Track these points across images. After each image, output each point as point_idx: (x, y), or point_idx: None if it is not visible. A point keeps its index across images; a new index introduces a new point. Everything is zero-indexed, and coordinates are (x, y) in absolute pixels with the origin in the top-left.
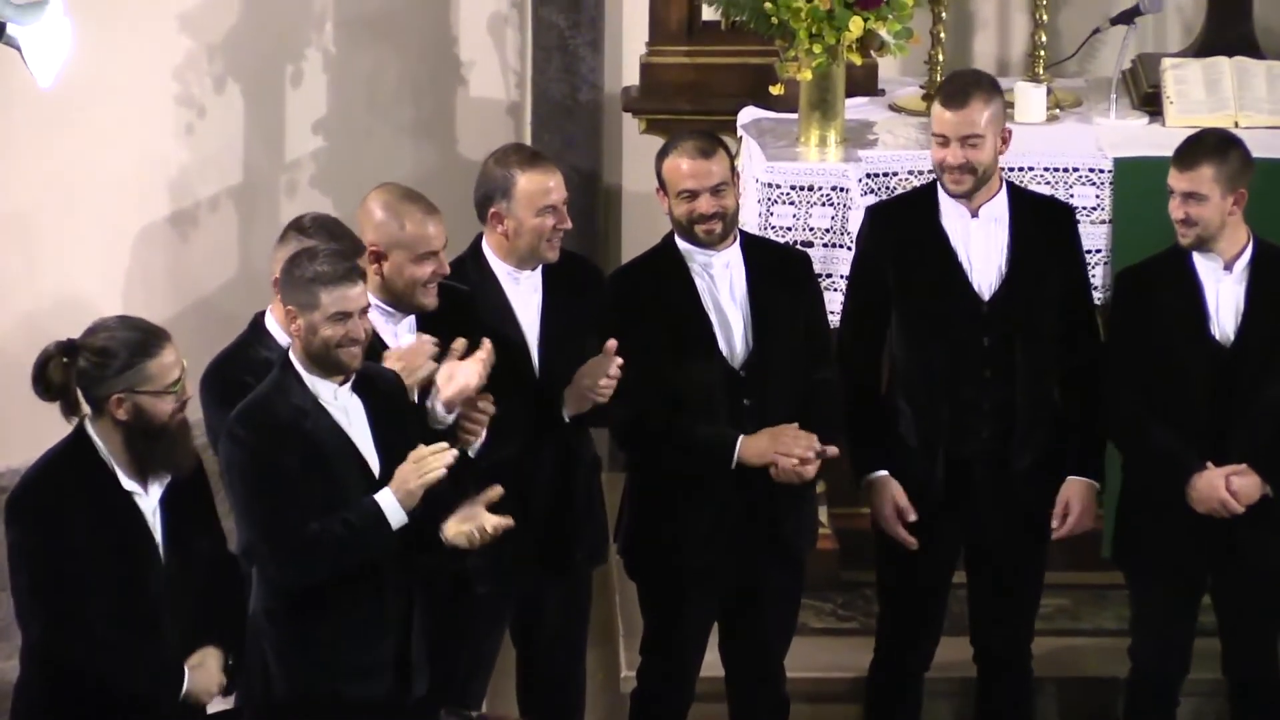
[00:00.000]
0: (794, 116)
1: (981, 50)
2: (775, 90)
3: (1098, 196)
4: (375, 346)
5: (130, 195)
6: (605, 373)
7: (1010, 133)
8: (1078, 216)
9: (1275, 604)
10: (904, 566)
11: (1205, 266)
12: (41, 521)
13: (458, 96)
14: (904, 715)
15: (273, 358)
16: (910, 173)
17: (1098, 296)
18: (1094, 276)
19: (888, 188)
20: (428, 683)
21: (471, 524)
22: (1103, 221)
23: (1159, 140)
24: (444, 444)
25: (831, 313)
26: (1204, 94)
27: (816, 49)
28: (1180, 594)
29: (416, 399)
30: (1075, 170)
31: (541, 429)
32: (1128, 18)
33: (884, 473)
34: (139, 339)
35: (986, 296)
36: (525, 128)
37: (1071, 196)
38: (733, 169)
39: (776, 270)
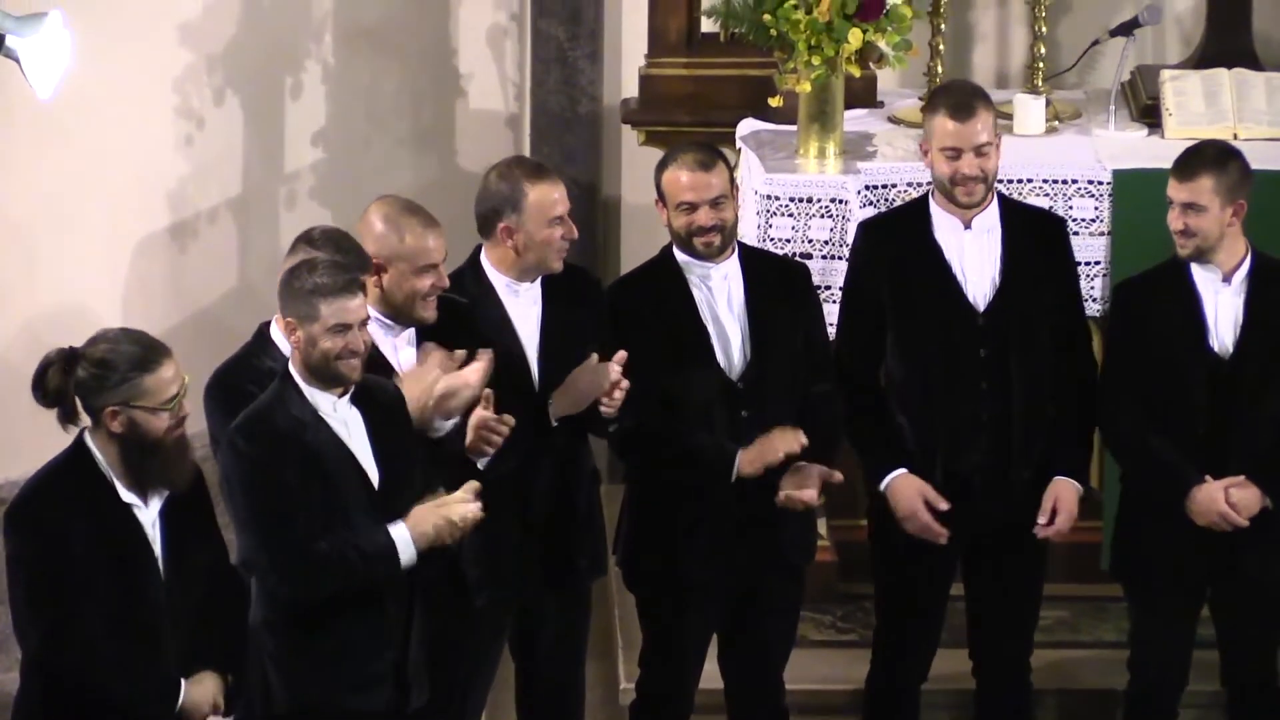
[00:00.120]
0: (793, 128)
1: (980, 62)
2: (774, 102)
3: (1096, 208)
4: (374, 358)
5: (129, 206)
6: (601, 380)
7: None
8: (1077, 228)
9: (1274, 616)
10: (902, 578)
11: (1204, 278)
12: (39, 532)
13: (457, 108)
14: None
15: (277, 368)
16: (909, 184)
17: (1096, 308)
18: (1093, 288)
19: (887, 199)
20: (427, 694)
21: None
22: (1101, 233)
23: (1158, 152)
24: (468, 495)
25: (830, 324)
26: (1203, 106)
27: (815, 61)
28: (1180, 606)
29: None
30: (1074, 182)
31: (541, 441)
32: (1127, 29)
33: (902, 470)
34: (138, 353)
35: (981, 308)
36: (524, 140)
37: (1070, 208)
38: (732, 181)
39: (775, 282)
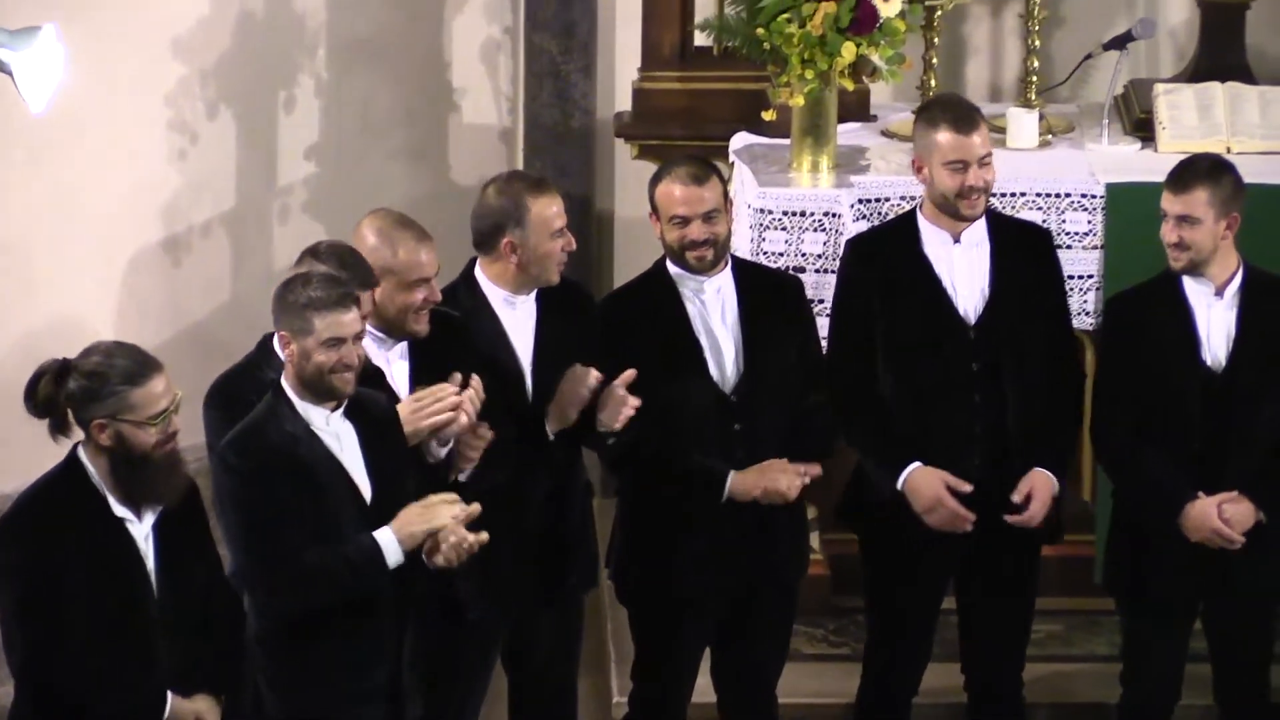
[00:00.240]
0: (786, 142)
1: (974, 76)
2: (767, 116)
3: (1090, 222)
4: (370, 371)
5: (123, 220)
6: (580, 388)
7: None
8: (1070, 242)
9: (1267, 630)
10: (894, 591)
11: (1196, 292)
12: (30, 545)
13: (450, 122)
14: None
15: (278, 379)
16: (902, 198)
17: (1089, 322)
18: (1086, 302)
19: (880, 213)
20: (420, 709)
21: (447, 543)
22: (1095, 247)
23: (1151, 166)
24: (454, 495)
25: (823, 338)
26: (1196, 119)
27: (809, 75)
28: (1172, 620)
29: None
30: (1067, 196)
31: (535, 454)
32: (1120, 43)
33: (917, 464)
34: (128, 366)
35: (972, 321)
36: (517, 153)
37: (1063, 222)
38: (725, 195)
39: (768, 296)
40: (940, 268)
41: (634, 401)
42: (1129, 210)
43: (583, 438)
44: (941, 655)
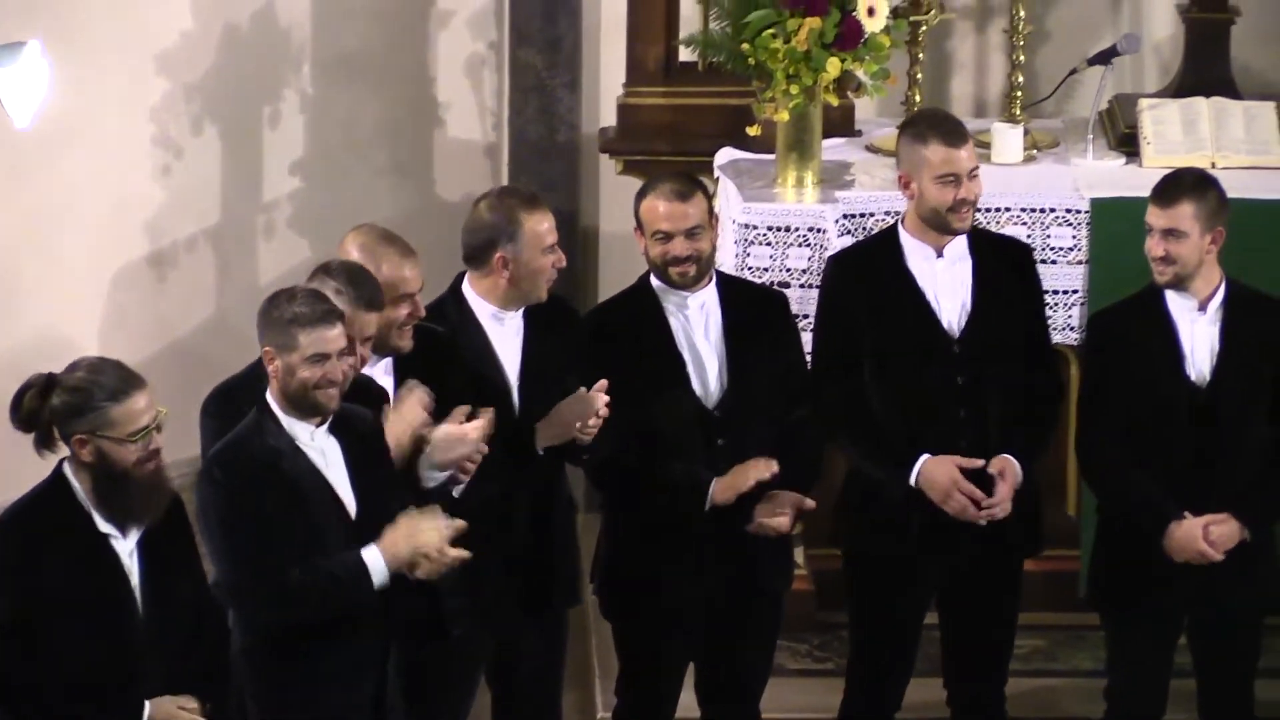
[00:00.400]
0: (771, 157)
1: (959, 91)
2: (752, 131)
3: (1074, 237)
4: (366, 385)
5: (107, 236)
6: (590, 411)
7: None
8: (1054, 257)
9: (1252, 646)
10: (877, 605)
11: (1179, 306)
12: (13, 559)
13: (435, 138)
14: None
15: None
16: (887, 213)
17: (1074, 337)
18: (1070, 317)
19: (865, 228)
20: None
21: (428, 560)
22: (1079, 262)
23: (1136, 181)
24: (444, 519)
25: (808, 353)
26: (1181, 134)
27: (794, 90)
28: (1157, 635)
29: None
30: (1052, 211)
31: (521, 470)
32: (1105, 58)
33: (925, 455)
34: (111, 383)
35: (956, 335)
36: (502, 169)
37: (1048, 237)
38: (710, 211)
39: (753, 311)
40: (924, 282)
41: (603, 410)
42: (1113, 225)
43: (568, 453)
44: (924, 670)
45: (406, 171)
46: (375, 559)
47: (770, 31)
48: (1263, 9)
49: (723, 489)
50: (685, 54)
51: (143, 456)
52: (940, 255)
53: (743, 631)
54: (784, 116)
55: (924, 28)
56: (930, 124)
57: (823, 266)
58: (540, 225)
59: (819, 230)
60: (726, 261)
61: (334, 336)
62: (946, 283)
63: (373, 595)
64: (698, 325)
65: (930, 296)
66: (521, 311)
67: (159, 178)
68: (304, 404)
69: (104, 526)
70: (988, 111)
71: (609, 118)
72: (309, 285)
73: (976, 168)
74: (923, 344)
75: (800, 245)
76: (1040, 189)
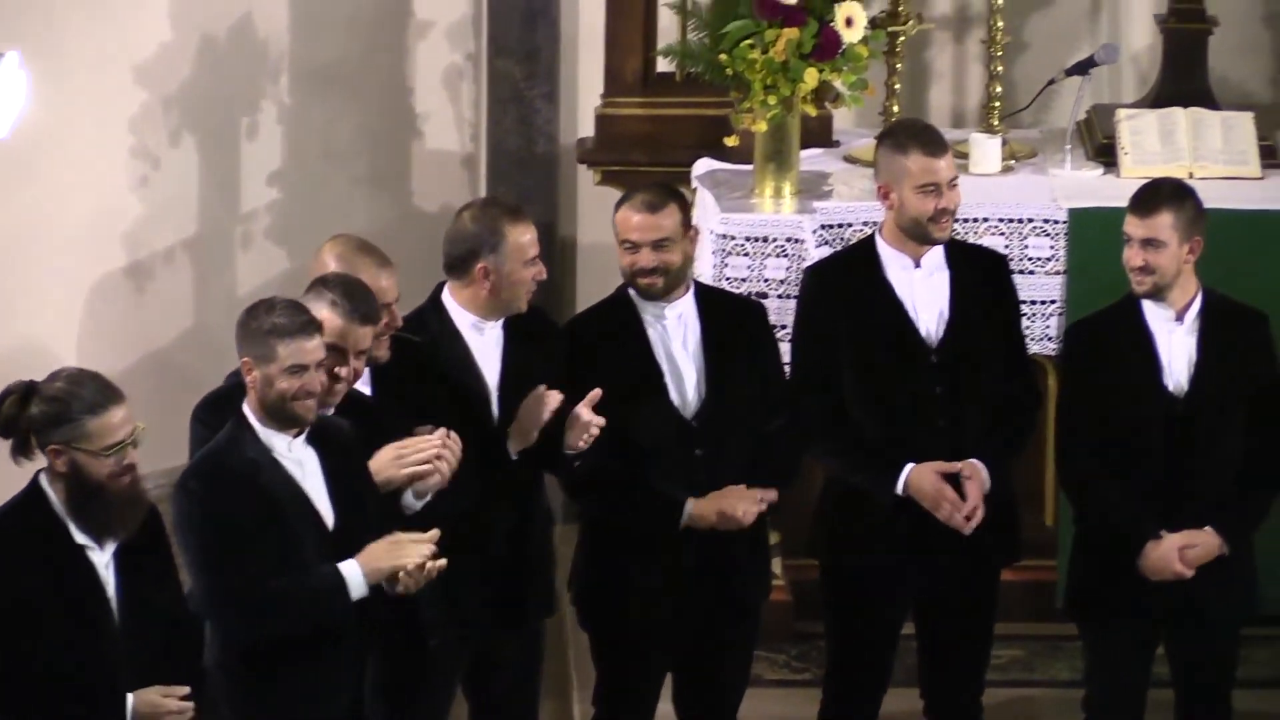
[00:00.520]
0: (749, 168)
1: (936, 101)
2: (730, 142)
3: (1052, 247)
4: (356, 397)
5: (85, 247)
6: (540, 409)
7: None
8: (1032, 268)
9: (1229, 656)
10: (854, 615)
11: (1157, 317)
12: None
13: (413, 148)
14: None
15: None
16: (865, 223)
17: (1051, 347)
18: (1048, 328)
19: (843, 239)
20: None
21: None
22: (1057, 272)
23: (1114, 191)
24: (422, 534)
25: (786, 364)
26: (1159, 145)
27: (771, 100)
28: (1134, 646)
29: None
30: (1030, 221)
31: (500, 480)
32: (1083, 69)
33: (910, 464)
34: (89, 395)
35: (934, 344)
36: (480, 179)
37: (1026, 247)
38: (687, 223)
39: (731, 321)
40: (902, 292)
41: (599, 421)
42: (1091, 235)
43: (546, 463)
44: (901, 680)
45: (384, 182)
46: (354, 573)
47: (748, 42)
48: (1241, 20)
49: (701, 515)
50: (663, 65)
51: (115, 471)
52: (918, 265)
53: (720, 642)
54: (762, 127)
55: (902, 38)
56: (910, 134)
57: (800, 277)
58: (523, 237)
59: (797, 241)
60: (705, 272)
61: (312, 348)
62: (924, 293)
63: (350, 608)
64: (676, 336)
65: (908, 307)
66: (501, 322)
67: (137, 189)
68: (282, 415)
69: (80, 538)
70: (966, 122)
71: (587, 128)
72: (305, 297)
73: (956, 177)
74: (901, 354)
75: (778, 256)
76: (1018, 199)
